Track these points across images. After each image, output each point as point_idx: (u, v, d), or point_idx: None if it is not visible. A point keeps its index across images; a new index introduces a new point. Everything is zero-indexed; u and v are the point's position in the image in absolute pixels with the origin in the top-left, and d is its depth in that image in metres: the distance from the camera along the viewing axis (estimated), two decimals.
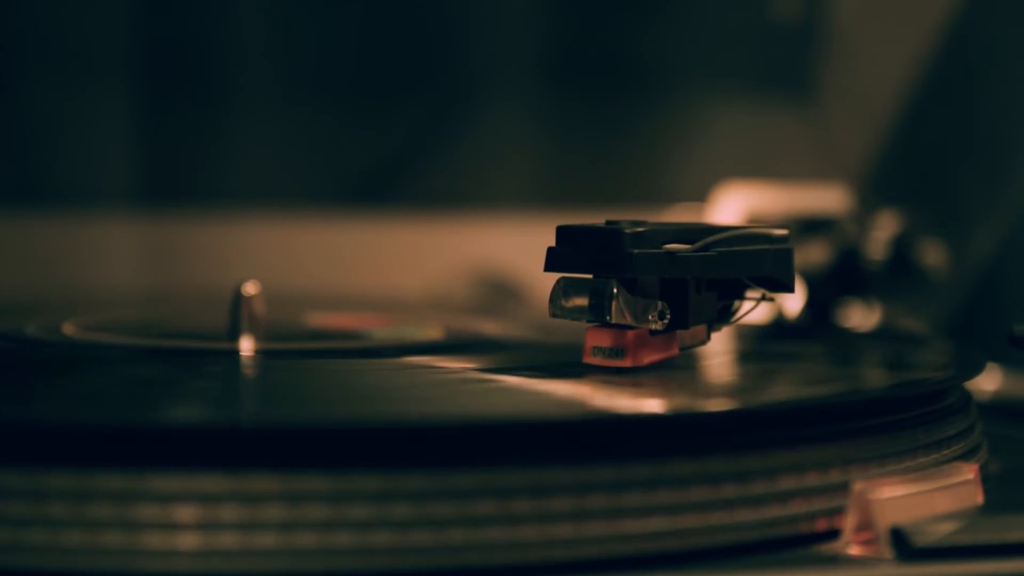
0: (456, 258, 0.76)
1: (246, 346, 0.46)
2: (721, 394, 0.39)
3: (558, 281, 0.39)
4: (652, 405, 0.36)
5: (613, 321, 0.38)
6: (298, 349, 0.47)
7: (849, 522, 0.34)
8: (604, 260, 0.38)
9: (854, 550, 0.33)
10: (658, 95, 0.79)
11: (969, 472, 0.36)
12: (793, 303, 0.59)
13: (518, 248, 0.72)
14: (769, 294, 0.41)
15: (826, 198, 0.64)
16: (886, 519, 0.33)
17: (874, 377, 0.45)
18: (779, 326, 0.58)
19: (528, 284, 0.72)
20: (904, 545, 0.33)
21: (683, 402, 0.37)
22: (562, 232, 0.39)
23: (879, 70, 0.76)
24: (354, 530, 0.30)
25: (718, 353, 0.45)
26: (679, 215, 0.72)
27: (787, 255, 0.41)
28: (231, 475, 0.30)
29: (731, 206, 0.65)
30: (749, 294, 0.41)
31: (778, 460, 0.34)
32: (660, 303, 0.39)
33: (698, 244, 0.39)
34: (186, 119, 0.76)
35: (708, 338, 0.41)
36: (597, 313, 0.38)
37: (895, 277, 0.60)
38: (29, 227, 0.74)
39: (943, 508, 0.34)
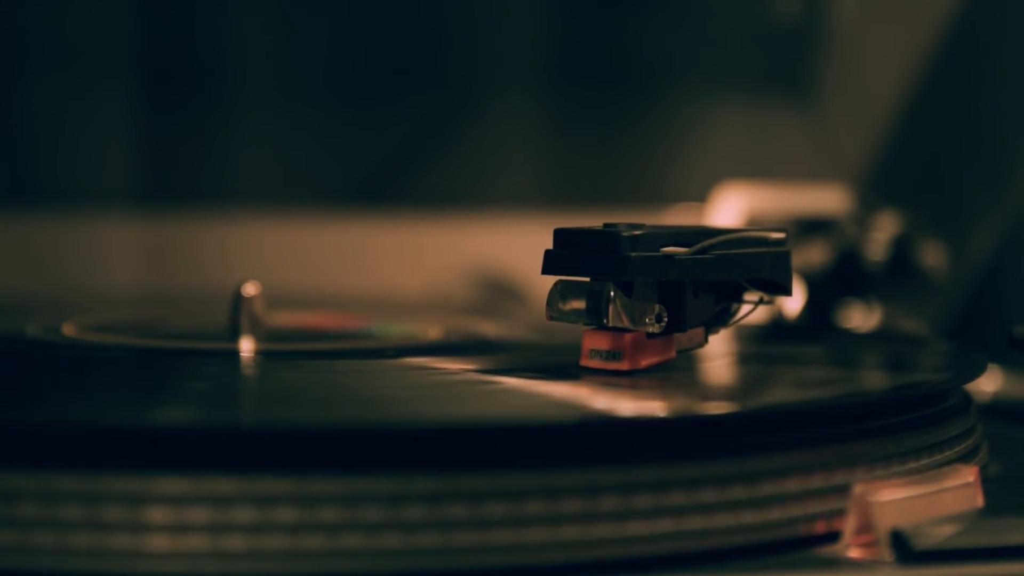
0: (456, 258, 0.76)
1: (246, 347, 0.46)
2: (720, 397, 0.39)
3: (555, 284, 0.39)
4: (650, 408, 0.36)
5: (610, 324, 0.38)
6: (298, 350, 0.47)
7: (849, 524, 0.34)
8: (601, 263, 0.38)
9: (854, 553, 0.33)
10: (658, 95, 0.79)
11: (969, 474, 0.36)
12: (793, 304, 0.59)
13: (518, 248, 0.72)
14: (767, 297, 0.41)
15: (826, 198, 0.64)
16: (886, 521, 0.33)
17: (874, 379, 0.45)
18: (779, 327, 0.58)
19: (528, 285, 0.72)
20: (904, 548, 0.33)
21: (681, 405, 0.37)
22: (559, 235, 0.39)
23: (879, 70, 0.76)
24: (365, 532, 0.31)
25: (717, 355, 0.45)
26: (679, 216, 0.71)
27: (785, 258, 0.40)
28: (232, 477, 0.30)
29: (731, 207, 0.65)
30: (747, 297, 0.41)
31: (778, 463, 0.34)
32: (657, 306, 0.39)
33: (695, 247, 0.39)
34: (186, 119, 0.76)
35: (706, 340, 0.41)
36: (594, 316, 0.38)
37: (895, 278, 0.60)
38: (29, 227, 0.74)
39: (943, 510, 0.34)
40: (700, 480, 0.33)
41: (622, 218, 0.40)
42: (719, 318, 0.41)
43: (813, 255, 0.60)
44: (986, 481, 0.37)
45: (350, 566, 0.30)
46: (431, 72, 0.78)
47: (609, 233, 0.38)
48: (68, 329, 0.49)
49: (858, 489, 0.34)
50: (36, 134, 0.75)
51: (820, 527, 0.34)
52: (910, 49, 0.73)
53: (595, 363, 0.39)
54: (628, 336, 0.39)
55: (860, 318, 0.60)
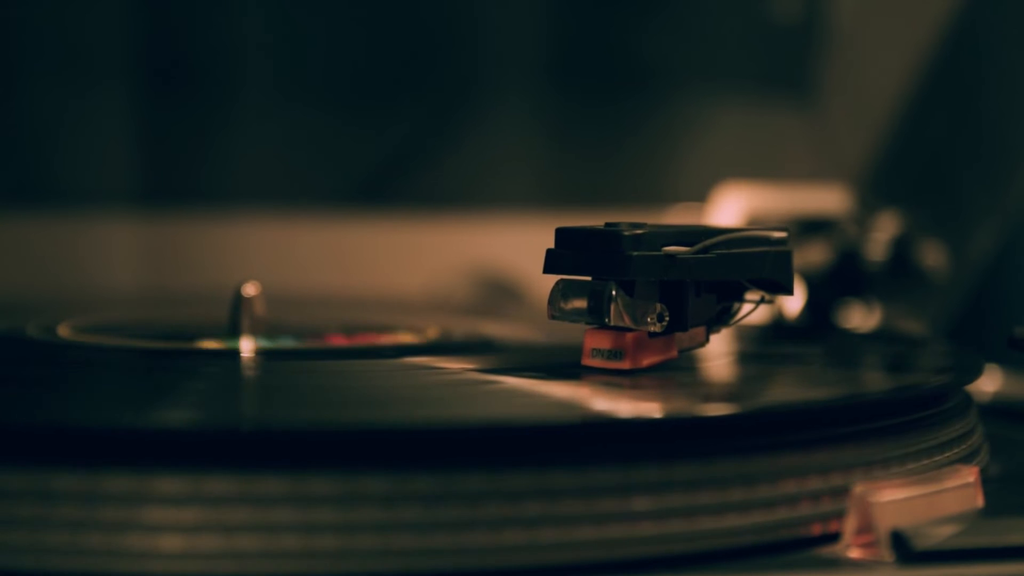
0: (456, 258, 0.76)
1: (246, 347, 0.46)
2: (721, 397, 0.39)
3: (557, 283, 0.39)
4: (650, 409, 0.36)
5: (612, 323, 0.38)
6: (298, 349, 0.47)
7: (849, 525, 0.34)
8: (603, 262, 0.38)
9: (854, 553, 0.33)
10: (658, 95, 0.79)
11: (969, 475, 0.36)
12: (793, 304, 0.59)
13: (518, 248, 0.72)
14: (768, 296, 0.41)
15: (826, 199, 0.64)
16: (886, 522, 0.33)
17: (874, 379, 0.45)
18: (779, 327, 0.58)
19: (528, 284, 0.72)
20: (904, 548, 0.33)
21: (682, 405, 0.37)
22: (561, 234, 0.39)
23: (879, 70, 0.76)
24: (366, 532, 0.31)
25: (718, 355, 0.45)
26: (679, 216, 0.71)
27: (786, 257, 0.40)
28: (233, 478, 0.30)
29: (731, 207, 0.65)
30: (748, 296, 0.41)
31: (778, 463, 0.34)
32: (659, 305, 0.39)
33: (697, 247, 0.39)
34: (186, 119, 0.76)
35: (707, 340, 0.41)
36: (596, 315, 0.38)
37: (895, 278, 0.60)
38: (29, 227, 0.74)
39: (944, 511, 0.34)
40: (700, 481, 0.33)
41: (622, 218, 0.40)
42: (720, 317, 0.41)
43: (813, 255, 0.60)
44: (986, 482, 0.37)
45: (349, 567, 0.30)
46: (431, 72, 0.78)
47: (611, 232, 0.38)
48: (68, 330, 0.49)
49: (858, 490, 0.34)
50: (36, 134, 0.75)
51: (820, 527, 0.34)
52: (910, 49, 0.73)
53: (596, 362, 0.39)
54: (629, 335, 0.39)
55: (860, 318, 0.60)
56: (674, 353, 0.40)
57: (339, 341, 0.49)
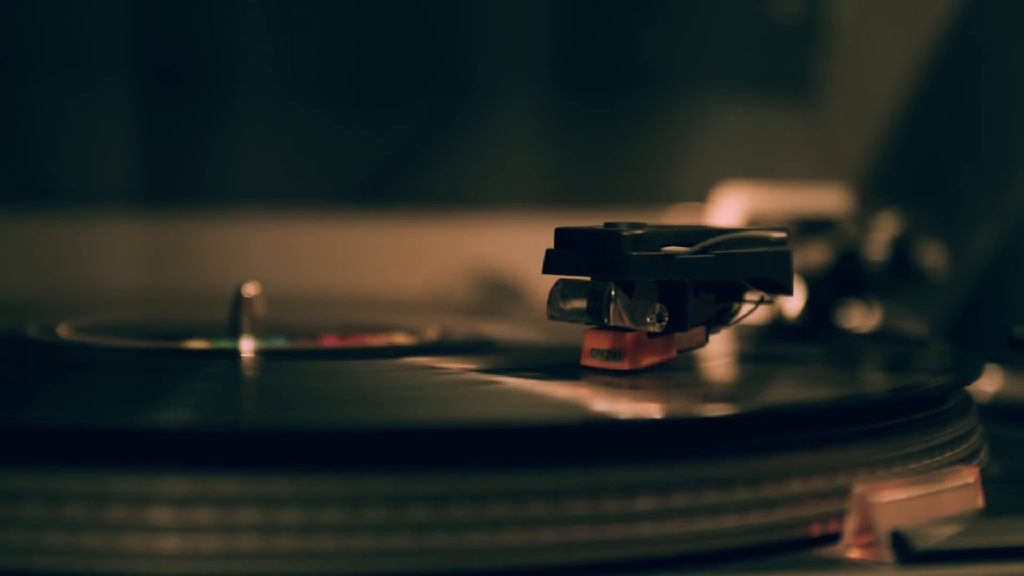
0: (456, 258, 0.76)
1: (247, 347, 0.46)
2: (721, 397, 0.39)
3: (556, 283, 0.39)
4: (650, 409, 0.36)
5: (611, 324, 0.38)
6: (299, 349, 0.47)
7: (850, 525, 0.34)
8: (602, 262, 0.38)
9: (854, 553, 0.33)
10: (659, 95, 0.79)
11: (970, 475, 0.36)
12: (793, 304, 0.59)
13: (518, 248, 0.72)
14: (768, 296, 0.41)
15: (826, 199, 0.64)
16: (887, 522, 0.33)
17: (875, 380, 0.45)
18: (779, 327, 0.58)
19: (528, 284, 0.72)
20: (904, 549, 0.33)
21: (682, 406, 0.37)
22: (560, 234, 0.39)
23: (879, 70, 0.76)
24: (369, 533, 0.31)
25: (718, 355, 0.45)
26: (679, 215, 0.71)
27: (785, 258, 0.40)
28: (234, 478, 0.30)
29: (731, 206, 0.65)
30: (748, 296, 0.41)
31: (778, 464, 0.34)
32: (658, 305, 0.39)
33: (696, 247, 0.39)
34: (186, 119, 0.76)
35: (706, 340, 0.41)
36: (595, 315, 0.38)
37: (895, 278, 0.60)
38: (29, 227, 0.74)
39: (944, 511, 0.34)
40: (700, 481, 0.33)
41: (622, 218, 0.40)
42: (720, 318, 0.41)
43: (813, 255, 0.60)
44: (986, 482, 0.37)
45: (355, 567, 0.30)
46: (432, 72, 0.78)
47: (610, 232, 0.38)
48: (67, 329, 0.49)
49: (858, 490, 0.34)
50: (36, 134, 0.75)
51: (821, 528, 0.34)
52: (910, 49, 0.73)
53: (596, 362, 0.39)
54: (629, 335, 0.39)
55: (860, 318, 0.60)
56: (673, 353, 0.40)
57: (339, 341, 0.49)
